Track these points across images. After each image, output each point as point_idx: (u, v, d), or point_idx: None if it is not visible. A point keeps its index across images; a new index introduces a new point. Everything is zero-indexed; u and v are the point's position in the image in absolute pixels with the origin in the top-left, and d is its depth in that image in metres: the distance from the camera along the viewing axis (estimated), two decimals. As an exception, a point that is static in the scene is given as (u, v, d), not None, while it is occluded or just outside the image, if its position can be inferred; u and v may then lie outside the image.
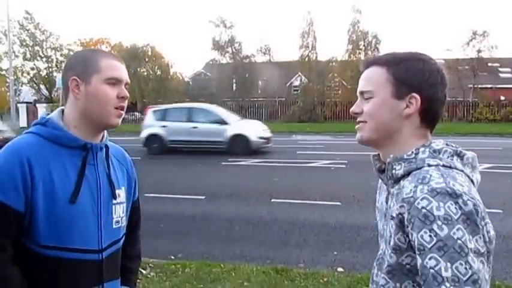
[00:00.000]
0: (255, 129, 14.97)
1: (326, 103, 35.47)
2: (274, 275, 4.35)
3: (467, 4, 72.65)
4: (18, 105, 32.69)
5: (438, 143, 1.09)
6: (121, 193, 1.47)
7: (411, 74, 1.10)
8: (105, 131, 1.46)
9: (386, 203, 1.16)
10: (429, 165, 1.04)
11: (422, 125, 1.13)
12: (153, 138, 14.93)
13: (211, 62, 40.81)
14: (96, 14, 78.62)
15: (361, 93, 1.17)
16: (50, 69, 42.81)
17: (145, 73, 38.05)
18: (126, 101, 1.41)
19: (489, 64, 33.88)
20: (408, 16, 76.27)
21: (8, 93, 31.84)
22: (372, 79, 1.15)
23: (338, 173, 10.95)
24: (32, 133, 1.36)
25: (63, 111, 1.42)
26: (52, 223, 1.28)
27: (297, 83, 38.27)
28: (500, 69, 36.80)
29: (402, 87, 1.10)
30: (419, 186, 0.99)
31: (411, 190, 1.01)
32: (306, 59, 35.89)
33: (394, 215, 1.04)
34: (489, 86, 33.53)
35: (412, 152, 1.08)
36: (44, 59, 42.54)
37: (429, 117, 1.13)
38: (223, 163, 12.51)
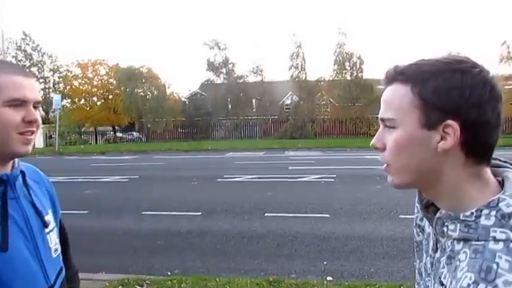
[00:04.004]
0: None
1: (316, 120, 35.73)
2: (267, 287, 4.39)
3: (442, 26, 73.85)
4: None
5: (510, 202, 0.74)
6: (50, 218, 1.25)
7: (444, 93, 0.76)
8: None
9: (434, 251, 0.87)
10: (495, 240, 0.73)
11: (469, 160, 0.78)
12: None
13: (206, 83, 41.04)
14: (94, 36, 78.95)
15: (382, 120, 0.84)
16: (47, 90, 42.68)
17: (142, 93, 38.07)
18: (37, 124, 1.13)
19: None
20: (390, 38, 77.18)
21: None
22: (394, 102, 0.81)
23: (327, 186, 11.00)
24: None
25: None
26: None
27: (288, 101, 38.52)
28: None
29: (433, 113, 0.77)
30: (480, 285, 0.69)
31: (469, 285, 0.71)
32: (296, 79, 36.23)
33: None
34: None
35: (472, 214, 0.76)
36: (41, 80, 42.43)
37: (477, 149, 0.78)
38: (218, 179, 12.53)
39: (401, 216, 7.10)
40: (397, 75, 0.82)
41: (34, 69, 41.59)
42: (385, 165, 0.85)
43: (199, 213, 8.02)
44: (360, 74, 34.76)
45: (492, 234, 0.73)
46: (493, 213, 0.74)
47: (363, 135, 34.17)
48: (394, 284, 4.44)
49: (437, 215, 0.82)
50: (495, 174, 0.83)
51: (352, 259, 5.35)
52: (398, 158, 0.81)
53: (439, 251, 0.85)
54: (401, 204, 7.86)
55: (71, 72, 42.16)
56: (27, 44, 40.93)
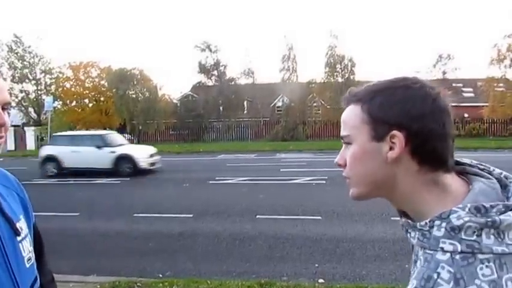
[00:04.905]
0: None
1: (307, 122, 35.80)
2: (259, 289, 4.38)
3: (433, 29, 74.43)
4: (6, 128, 32.11)
5: (461, 214, 0.75)
6: (22, 225, 1.14)
7: (388, 108, 0.83)
8: None
9: (411, 253, 0.91)
10: (443, 251, 0.75)
11: (423, 167, 0.82)
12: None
13: (198, 85, 40.95)
14: (86, 38, 78.27)
15: (342, 138, 0.92)
16: (39, 92, 42.30)
17: (134, 95, 37.88)
18: (6, 127, 1.03)
19: (453, 84, 34.84)
20: (381, 41, 77.67)
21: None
22: (349, 122, 0.89)
23: (319, 188, 11.02)
24: None
25: None
26: None
27: (280, 103, 38.56)
28: (463, 89, 38.02)
29: (380, 126, 0.83)
30: None
31: None
32: (288, 81, 36.30)
33: None
34: (454, 104, 34.47)
35: (426, 224, 0.78)
36: (33, 82, 42.09)
37: (428, 156, 0.82)
38: (210, 182, 12.50)
39: (392, 218, 7.09)
40: (351, 97, 0.90)
41: (26, 71, 41.24)
42: (346, 179, 0.91)
43: (191, 216, 7.98)
44: (351, 76, 34.86)
45: (441, 245, 0.75)
46: (444, 224, 0.76)
47: (354, 138, 34.33)
48: (386, 286, 4.45)
49: (400, 221, 0.87)
50: (470, 182, 0.84)
51: (344, 261, 5.35)
52: (355, 170, 0.88)
53: (413, 251, 0.88)
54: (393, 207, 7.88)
55: (63, 74, 41.84)
56: (18, 46, 40.58)
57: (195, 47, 38.57)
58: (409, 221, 0.84)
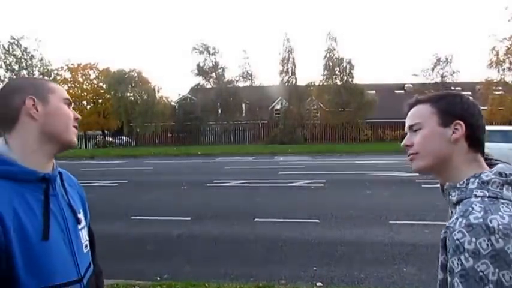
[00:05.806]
0: None
1: (306, 125, 35.83)
2: (257, 292, 4.38)
3: (432, 32, 74.72)
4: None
5: (488, 174, 1.12)
6: (81, 217, 1.39)
7: (453, 106, 1.20)
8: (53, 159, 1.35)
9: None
10: (476, 196, 1.09)
11: (470, 150, 1.19)
12: None
13: (196, 87, 40.94)
14: (84, 40, 78.40)
15: (410, 127, 1.26)
16: (37, 94, 42.15)
17: (132, 97, 37.85)
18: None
19: (452, 88, 34.86)
20: (379, 44, 77.95)
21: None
22: (418, 113, 1.24)
23: (317, 191, 11.02)
24: None
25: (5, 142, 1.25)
26: (31, 266, 1.15)
27: (278, 106, 38.57)
28: (462, 92, 38.09)
29: (447, 117, 1.19)
30: (459, 219, 1.05)
31: (453, 221, 1.06)
32: (286, 84, 36.32)
33: (441, 237, 1.11)
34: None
35: (464, 182, 1.14)
36: (30, 84, 41.97)
37: (475, 143, 1.19)
38: (208, 184, 12.50)
39: (391, 221, 7.13)
40: (418, 100, 1.27)
41: (24, 72, 41.12)
42: (411, 156, 1.24)
43: (189, 218, 7.98)
44: (349, 79, 34.93)
45: (474, 193, 1.10)
46: (476, 180, 1.12)
47: (352, 141, 34.36)
48: (384, 290, 4.45)
49: (445, 187, 1.19)
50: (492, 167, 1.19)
51: (342, 264, 5.35)
52: (425, 146, 1.21)
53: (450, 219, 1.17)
54: (391, 210, 7.90)
55: (61, 76, 41.81)
56: (17, 48, 40.45)
57: (194, 49, 38.65)
58: (451, 183, 1.17)
